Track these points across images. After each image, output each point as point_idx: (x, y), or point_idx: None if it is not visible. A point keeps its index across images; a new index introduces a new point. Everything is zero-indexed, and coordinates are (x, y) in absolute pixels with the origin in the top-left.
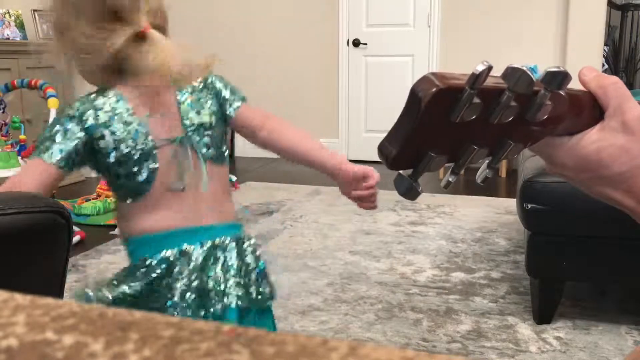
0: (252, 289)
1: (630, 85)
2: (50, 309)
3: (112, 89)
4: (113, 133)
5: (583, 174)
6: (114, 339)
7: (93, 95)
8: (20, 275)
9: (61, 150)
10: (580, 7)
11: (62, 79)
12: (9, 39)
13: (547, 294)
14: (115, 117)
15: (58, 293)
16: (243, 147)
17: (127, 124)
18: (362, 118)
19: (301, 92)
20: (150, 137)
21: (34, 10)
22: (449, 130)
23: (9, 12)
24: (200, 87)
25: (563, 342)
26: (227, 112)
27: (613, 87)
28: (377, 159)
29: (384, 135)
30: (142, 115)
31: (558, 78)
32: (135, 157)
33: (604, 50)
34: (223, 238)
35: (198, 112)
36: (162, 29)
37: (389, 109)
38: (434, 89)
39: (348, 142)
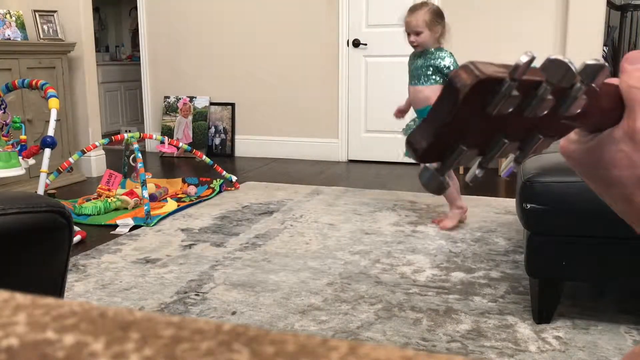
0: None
1: None
2: (50, 308)
3: None
4: None
5: (586, 169)
6: (115, 339)
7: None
8: (21, 275)
9: None
10: (579, 7)
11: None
12: (9, 39)
13: (547, 293)
14: None
15: (59, 292)
16: (243, 148)
17: None
18: (362, 118)
19: (301, 92)
20: None
21: (35, 11)
22: (482, 122)
23: (9, 13)
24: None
25: (562, 341)
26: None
27: (638, 89)
28: (376, 158)
29: (384, 135)
30: None
31: (595, 69)
32: None
33: (603, 50)
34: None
35: None
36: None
37: (389, 109)
38: (474, 80)
39: (348, 142)
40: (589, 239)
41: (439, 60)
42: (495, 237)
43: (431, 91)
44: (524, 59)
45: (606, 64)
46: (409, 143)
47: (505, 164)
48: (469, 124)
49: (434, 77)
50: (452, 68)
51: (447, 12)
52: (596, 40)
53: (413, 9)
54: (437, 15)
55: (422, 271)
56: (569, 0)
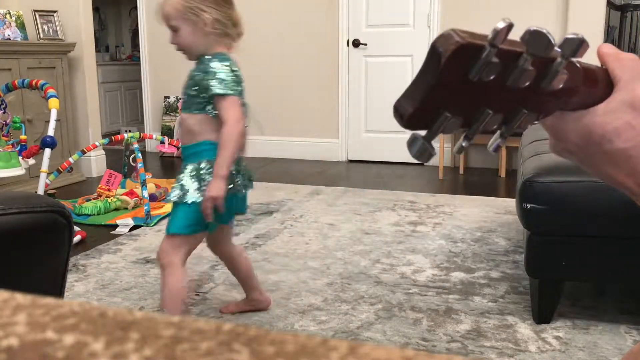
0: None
1: None
2: (50, 308)
3: None
4: None
5: (587, 148)
6: (115, 339)
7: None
8: (21, 275)
9: None
10: (579, 7)
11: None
12: (9, 39)
13: (547, 293)
14: None
15: (59, 292)
16: None
17: None
18: (362, 118)
19: (301, 92)
20: None
21: (35, 11)
22: (465, 90)
23: (9, 13)
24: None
25: (562, 341)
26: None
27: (630, 62)
28: (376, 158)
29: (384, 135)
30: None
31: (575, 43)
32: None
33: None
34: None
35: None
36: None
37: (389, 109)
38: (455, 45)
39: (348, 142)
40: (589, 239)
41: (205, 74)
42: (495, 237)
43: (196, 122)
44: (502, 25)
45: (585, 38)
46: (396, 109)
47: (493, 139)
48: (452, 91)
49: (200, 100)
50: (220, 90)
51: (447, 13)
52: (596, 40)
53: None
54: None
55: (422, 271)
56: (569, 0)
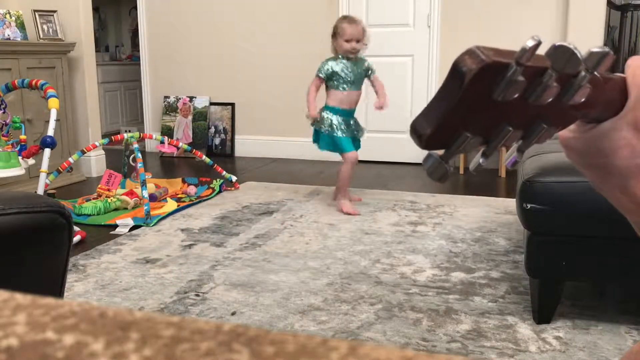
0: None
1: None
2: (50, 308)
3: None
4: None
5: (586, 158)
6: (115, 339)
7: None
8: (21, 275)
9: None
10: (580, 7)
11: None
12: (9, 39)
13: (547, 293)
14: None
15: (58, 293)
16: (243, 148)
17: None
18: (362, 118)
19: (301, 92)
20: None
21: (35, 11)
22: (487, 109)
23: (9, 13)
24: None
25: (563, 341)
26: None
27: None
28: (376, 158)
29: (384, 135)
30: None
31: (599, 56)
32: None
33: None
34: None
35: None
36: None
37: (389, 109)
38: (480, 64)
39: None
40: (589, 239)
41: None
42: (495, 237)
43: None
44: (531, 43)
45: (610, 50)
46: (414, 129)
47: (509, 154)
48: (473, 110)
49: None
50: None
51: (447, 12)
52: (596, 40)
53: (352, 20)
54: None
55: (422, 271)
56: (569, 1)
